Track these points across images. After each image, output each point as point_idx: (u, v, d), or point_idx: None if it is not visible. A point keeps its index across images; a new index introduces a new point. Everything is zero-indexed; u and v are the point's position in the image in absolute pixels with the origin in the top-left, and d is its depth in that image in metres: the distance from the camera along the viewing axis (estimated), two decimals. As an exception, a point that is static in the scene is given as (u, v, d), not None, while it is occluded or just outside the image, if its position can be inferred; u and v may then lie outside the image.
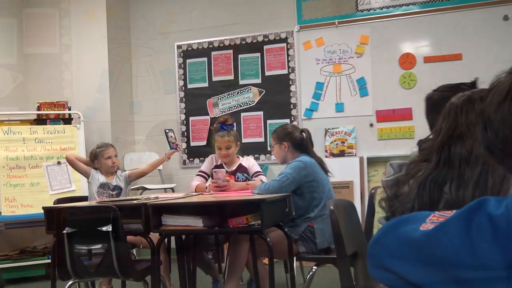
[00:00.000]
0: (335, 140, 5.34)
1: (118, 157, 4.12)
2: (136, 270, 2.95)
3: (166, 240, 3.28)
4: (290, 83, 5.54)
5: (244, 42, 5.70)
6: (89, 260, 3.30)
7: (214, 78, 5.79)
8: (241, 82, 5.70)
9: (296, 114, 5.50)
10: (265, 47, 5.61)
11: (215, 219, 2.92)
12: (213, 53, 5.80)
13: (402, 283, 0.74)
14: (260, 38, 5.63)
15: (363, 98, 5.32)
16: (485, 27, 4.97)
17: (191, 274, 3.37)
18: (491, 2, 4.94)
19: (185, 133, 5.88)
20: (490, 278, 0.65)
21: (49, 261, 4.48)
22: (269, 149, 5.46)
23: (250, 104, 5.67)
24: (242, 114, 5.67)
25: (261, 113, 5.63)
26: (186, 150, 5.88)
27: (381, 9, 5.29)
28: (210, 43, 5.80)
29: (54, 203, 3.60)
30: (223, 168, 3.76)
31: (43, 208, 3.13)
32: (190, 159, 5.87)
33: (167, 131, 3.98)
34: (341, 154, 5.30)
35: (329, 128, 5.37)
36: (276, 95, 5.57)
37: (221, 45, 5.77)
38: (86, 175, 3.99)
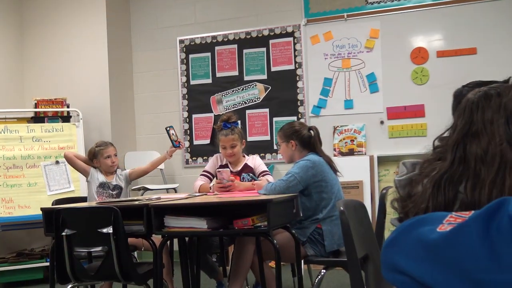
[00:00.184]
0: (344, 138, 5.28)
1: (118, 156, 4.12)
2: (137, 273, 2.94)
3: (168, 242, 3.28)
4: (297, 79, 5.45)
5: (249, 37, 5.61)
6: (89, 263, 3.31)
7: (218, 74, 5.70)
8: (246, 78, 5.61)
9: (303, 111, 5.42)
10: (271, 41, 5.53)
11: (220, 220, 2.90)
12: (216, 48, 5.70)
13: (417, 287, 0.73)
14: (266, 32, 5.54)
15: (373, 95, 5.23)
16: (501, 20, 4.89)
17: (195, 277, 3.35)
18: (507, -6, 4.90)
19: (188, 131, 5.79)
20: (510, 283, 0.63)
21: (47, 264, 4.62)
22: (275, 147, 5.44)
23: (255, 101, 5.57)
24: (247, 112, 5.59)
25: (267, 110, 5.53)
26: (189, 148, 5.78)
27: (392, 1, 5.22)
28: (214, 37, 5.70)
29: (52, 204, 3.62)
30: (228, 168, 3.75)
31: (41, 209, 3.11)
32: (193, 158, 5.76)
33: (168, 128, 3.96)
34: (351, 152, 5.24)
35: (337, 126, 5.30)
36: (283, 92, 5.48)
37: (225, 39, 5.67)
38: (85, 173, 3.99)
